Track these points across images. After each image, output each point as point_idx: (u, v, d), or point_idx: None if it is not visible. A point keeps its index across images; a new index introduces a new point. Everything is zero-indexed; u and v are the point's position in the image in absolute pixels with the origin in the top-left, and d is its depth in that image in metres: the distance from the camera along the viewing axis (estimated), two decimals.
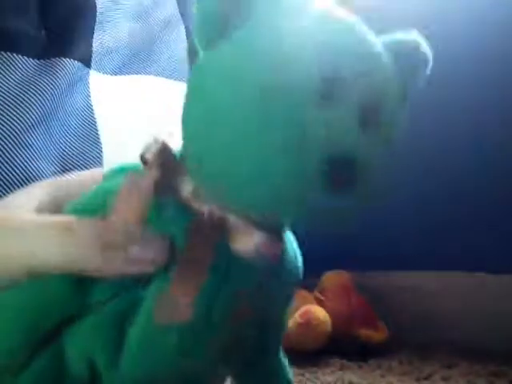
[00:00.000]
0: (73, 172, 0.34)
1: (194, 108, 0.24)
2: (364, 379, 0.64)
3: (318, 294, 0.81)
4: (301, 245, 0.31)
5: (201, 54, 0.25)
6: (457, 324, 0.77)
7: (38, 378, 0.26)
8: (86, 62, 0.62)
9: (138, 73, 0.71)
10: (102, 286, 0.25)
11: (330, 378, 0.64)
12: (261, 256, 0.25)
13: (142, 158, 0.27)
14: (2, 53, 0.53)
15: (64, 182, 0.31)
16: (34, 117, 0.53)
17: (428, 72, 0.28)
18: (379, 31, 0.26)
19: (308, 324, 0.73)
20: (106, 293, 0.25)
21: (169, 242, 0.25)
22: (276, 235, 0.26)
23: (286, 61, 0.23)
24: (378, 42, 0.26)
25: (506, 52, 0.75)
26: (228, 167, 0.23)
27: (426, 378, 0.64)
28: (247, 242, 0.25)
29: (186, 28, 0.81)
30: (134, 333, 0.25)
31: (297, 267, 0.31)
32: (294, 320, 0.73)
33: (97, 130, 0.61)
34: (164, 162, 0.26)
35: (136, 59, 0.71)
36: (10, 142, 0.51)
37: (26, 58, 0.55)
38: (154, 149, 0.27)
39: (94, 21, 0.64)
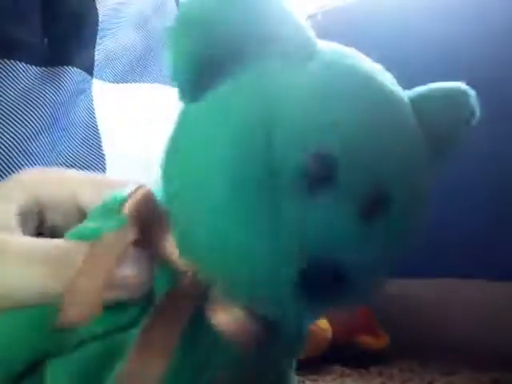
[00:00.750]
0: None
1: (170, 164, 0.21)
2: None
3: None
4: None
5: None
6: (457, 331, 0.77)
7: None
8: (89, 71, 0.62)
9: (139, 80, 0.71)
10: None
11: None
12: (232, 336, 0.21)
13: (122, 208, 0.23)
14: (6, 61, 0.53)
15: (46, 180, 0.28)
16: (37, 125, 0.53)
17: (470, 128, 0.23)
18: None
19: (308, 331, 0.73)
20: (84, 333, 0.22)
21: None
22: (261, 319, 0.21)
23: (259, 135, 0.18)
24: (400, 102, 0.20)
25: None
26: (193, 233, 0.20)
27: None
28: (225, 317, 0.21)
29: None
30: None
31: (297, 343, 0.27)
32: None
33: (99, 137, 0.61)
34: (145, 213, 0.22)
35: (137, 67, 0.71)
36: (13, 150, 0.51)
37: (29, 66, 0.55)
38: (134, 198, 0.23)
39: (97, 29, 0.65)
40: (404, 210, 0.20)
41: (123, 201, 0.23)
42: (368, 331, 0.77)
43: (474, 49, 0.76)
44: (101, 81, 0.64)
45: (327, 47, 0.21)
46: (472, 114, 0.23)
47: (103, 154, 0.60)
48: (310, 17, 0.78)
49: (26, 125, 0.52)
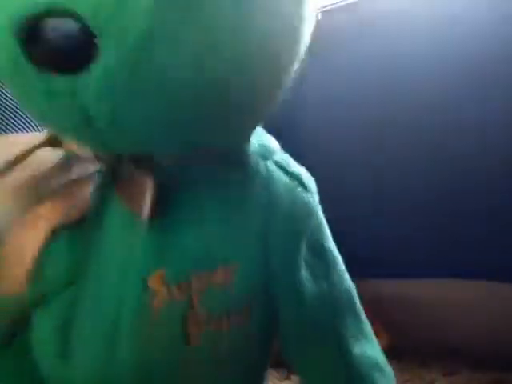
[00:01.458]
0: None
1: None
2: None
3: None
4: None
5: None
6: (458, 332, 0.77)
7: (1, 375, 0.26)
8: None
9: None
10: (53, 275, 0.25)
11: None
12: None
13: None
14: None
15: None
16: (37, 124, 0.53)
17: None
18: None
19: None
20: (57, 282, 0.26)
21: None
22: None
23: None
24: None
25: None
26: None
27: None
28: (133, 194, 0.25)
29: None
30: None
31: None
32: None
33: None
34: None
35: None
36: None
37: None
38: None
39: None
40: None
41: None
42: None
43: (485, 48, 0.76)
44: None
45: None
46: None
47: None
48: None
49: (26, 124, 0.52)
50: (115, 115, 0.22)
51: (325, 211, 0.34)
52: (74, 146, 0.26)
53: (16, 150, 0.26)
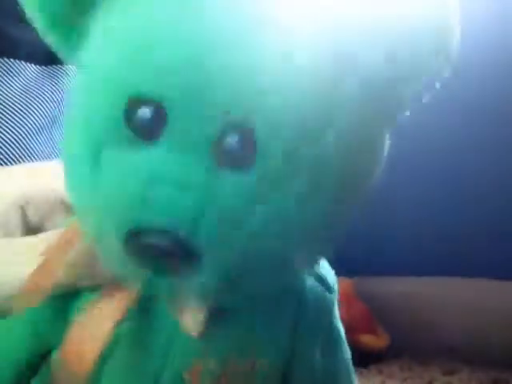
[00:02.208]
0: None
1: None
2: None
3: None
4: None
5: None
6: (457, 330, 0.77)
7: None
8: None
9: None
10: None
11: None
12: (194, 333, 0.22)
13: None
14: (6, 59, 0.53)
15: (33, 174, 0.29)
16: (37, 123, 0.53)
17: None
18: None
19: None
20: None
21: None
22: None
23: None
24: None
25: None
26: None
27: None
28: (190, 318, 0.22)
29: None
30: None
31: None
32: None
33: None
34: None
35: None
36: (13, 148, 0.51)
37: (29, 64, 0.55)
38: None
39: None
40: (275, 149, 0.16)
41: None
42: (368, 330, 0.77)
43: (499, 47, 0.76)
44: None
45: None
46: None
47: None
48: None
49: (26, 123, 0.52)
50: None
51: None
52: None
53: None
